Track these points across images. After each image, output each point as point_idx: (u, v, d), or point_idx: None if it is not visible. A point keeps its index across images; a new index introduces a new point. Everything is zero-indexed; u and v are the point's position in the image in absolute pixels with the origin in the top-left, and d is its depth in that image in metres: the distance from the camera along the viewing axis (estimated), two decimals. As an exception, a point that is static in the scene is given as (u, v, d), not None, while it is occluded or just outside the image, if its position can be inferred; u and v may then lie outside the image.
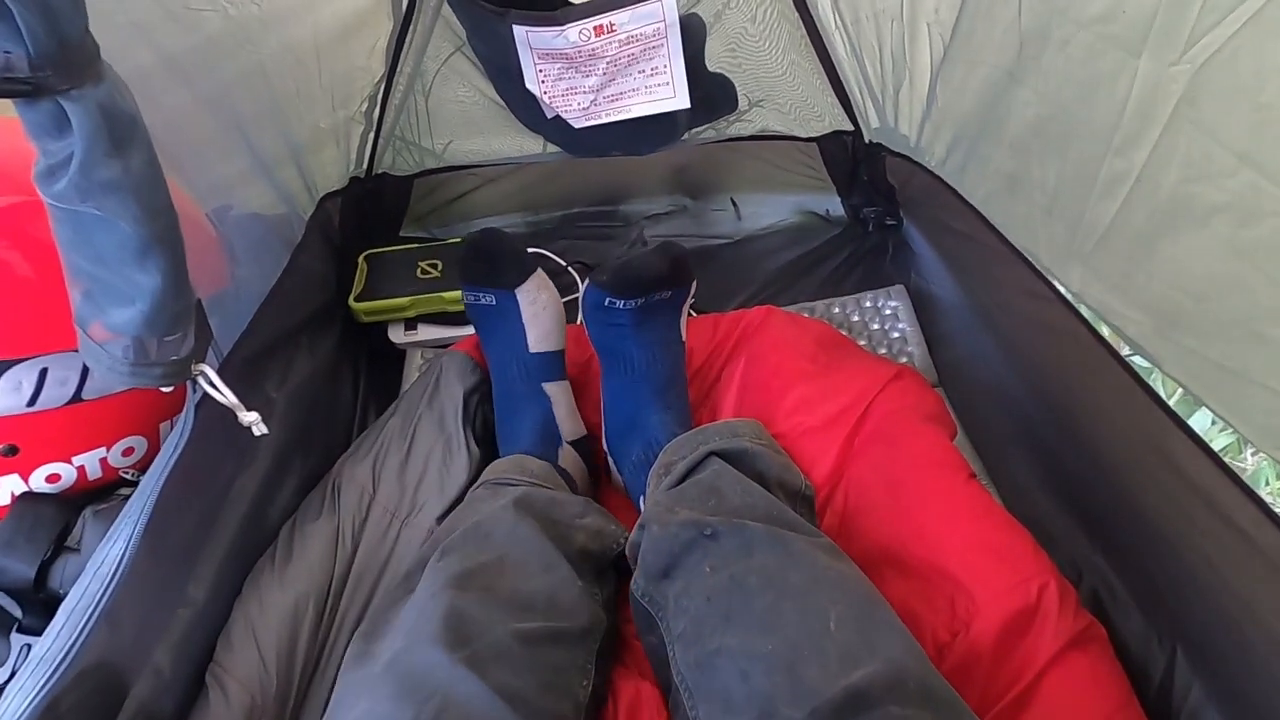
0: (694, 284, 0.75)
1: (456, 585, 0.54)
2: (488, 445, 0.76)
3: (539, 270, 0.78)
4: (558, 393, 0.77)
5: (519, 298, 0.76)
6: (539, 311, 0.76)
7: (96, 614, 0.49)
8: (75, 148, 0.44)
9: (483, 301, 0.77)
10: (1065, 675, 0.51)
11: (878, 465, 0.66)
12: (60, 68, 0.42)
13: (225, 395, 0.56)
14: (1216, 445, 0.56)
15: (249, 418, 0.58)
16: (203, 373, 0.56)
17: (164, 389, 0.55)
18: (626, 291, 0.71)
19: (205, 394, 0.57)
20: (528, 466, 0.68)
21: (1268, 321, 0.50)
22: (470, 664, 0.48)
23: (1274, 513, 0.49)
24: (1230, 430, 0.56)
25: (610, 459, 0.75)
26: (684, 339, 0.76)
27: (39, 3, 0.40)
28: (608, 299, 0.71)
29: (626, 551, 0.62)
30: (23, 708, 0.44)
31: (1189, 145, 0.52)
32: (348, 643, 0.58)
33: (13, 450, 0.59)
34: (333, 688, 0.56)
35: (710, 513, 0.57)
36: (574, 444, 0.76)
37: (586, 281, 0.74)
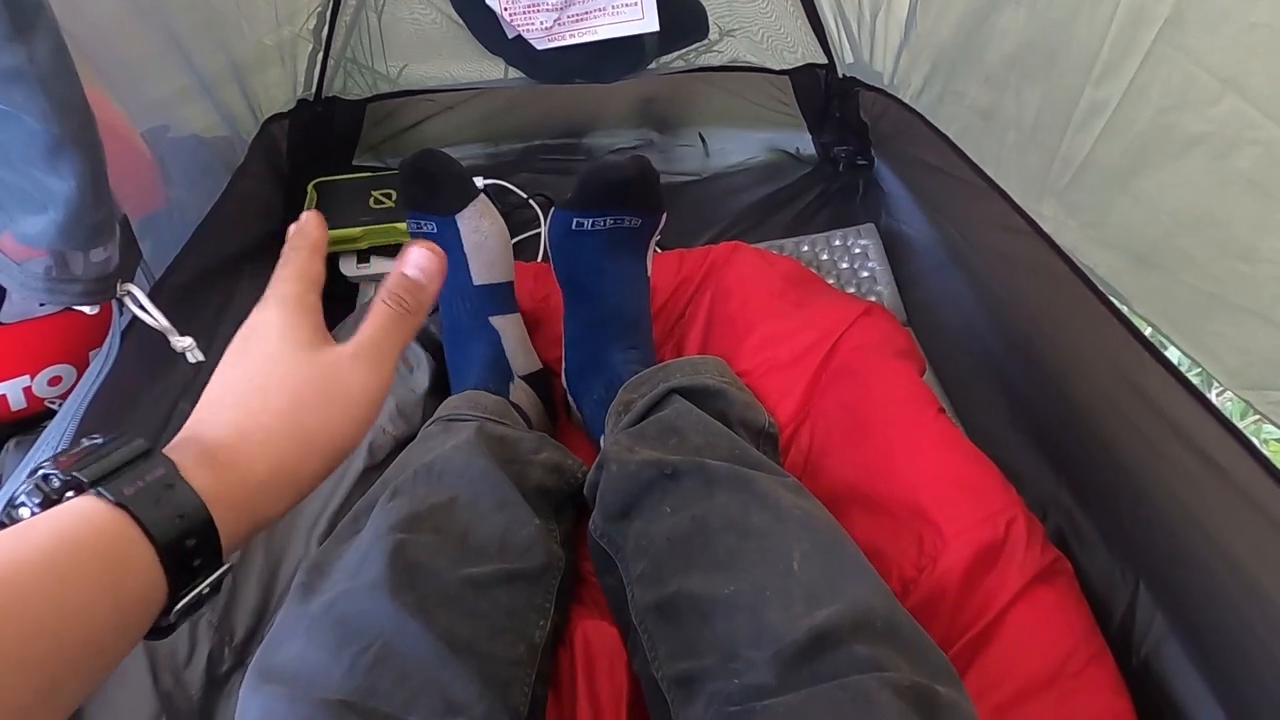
0: (663, 216, 0.72)
1: (405, 528, 0.52)
2: (441, 376, 0.74)
3: (481, 195, 0.74)
4: (507, 326, 0.74)
5: (460, 225, 0.72)
6: (482, 241, 0.72)
7: None
8: None
9: (424, 229, 0.73)
10: (1031, 609, 0.51)
11: (844, 401, 0.64)
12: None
13: (156, 318, 0.53)
14: (1188, 381, 0.55)
15: (182, 343, 0.55)
16: (129, 293, 0.53)
17: (88, 310, 0.51)
18: (596, 201, 0.68)
19: (134, 318, 0.54)
20: (481, 402, 0.66)
21: (1241, 257, 0.49)
22: (414, 610, 0.46)
23: (1251, 443, 0.49)
24: (1199, 370, 0.56)
25: (570, 397, 0.73)
26: (649, 276, 0.74)
27: None
28: (575, 219, 0.68)
29: (585, 491, 0.60)
30: None
31: (1170, 72, 0.50)
32: (307, 536, 0.57)
33: (-73, 377, 0.56)
34: None
35: (670, 451, 0.55)
36: (527, 379, 0.73)
37: (553, 209, 0.71)
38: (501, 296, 0.74)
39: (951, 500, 0.56)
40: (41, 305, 0.58)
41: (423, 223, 0.73)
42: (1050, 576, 0.53)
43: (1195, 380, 0.54)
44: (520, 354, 0.74)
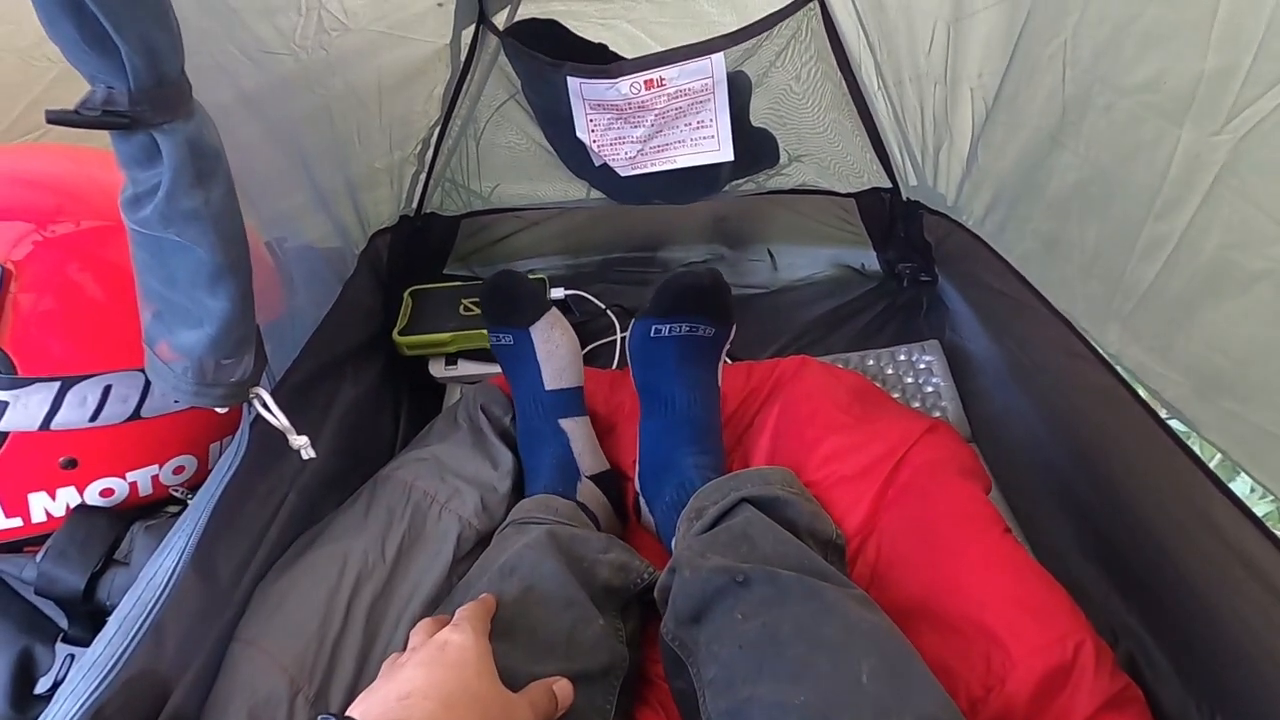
0: (733, 328, 0.77)
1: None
2: (520, 469, 0.78)
3: (553, 309, 0.81)
4: (575, 428, 0.78)
5: (533, 335, 0.79)
6: (553, 349, 0.79)
7: (146, 625, 0.50)
8: (163, 178, 0.47)
9: (503, 341, 0.80)
10: (1102, 737, 0.51)
11: (911, 517, 0.66)
12: (157, 103, 0.45)
13: (279, 418, 0.58)
14: (1257, 512, 0.56)
15: (299, 441, 0.60)
16: (259, 396, 0.58)
17: (220, 410, 0.57)
18: (673, 308, 0.74)
19: (257, 416, 0.59)
20: (552, 505, 0.70)
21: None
22: None
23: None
24: (1270, 498, 0.56)
25: (642, 499, 0.76)
26: (720, 386, 0.77)
27: (144, 42, 0.43)
28: (654, 326, 0.74)
29: (656, 594, 0.62)
30: (74, 710, 0.45)
31: (1230, 212, 0.52)
32: (397, 618, 0.61)
33: (72, 463, 0.61)
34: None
35: (742, 559, 0.57)
36: (595, 479, 0.77)
37: (633, 319, 0.77)
38: (571, 401, 0.79)
39: (1019, 621, 0.56)
40: (177, 402, 0.64)
41: (502, 335, 0.80)
42: (1121, 704, 0.53)
43: (1269, 508, 0.54)
44: (588, 455, 0.78)
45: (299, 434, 0.60)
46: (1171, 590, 0.60)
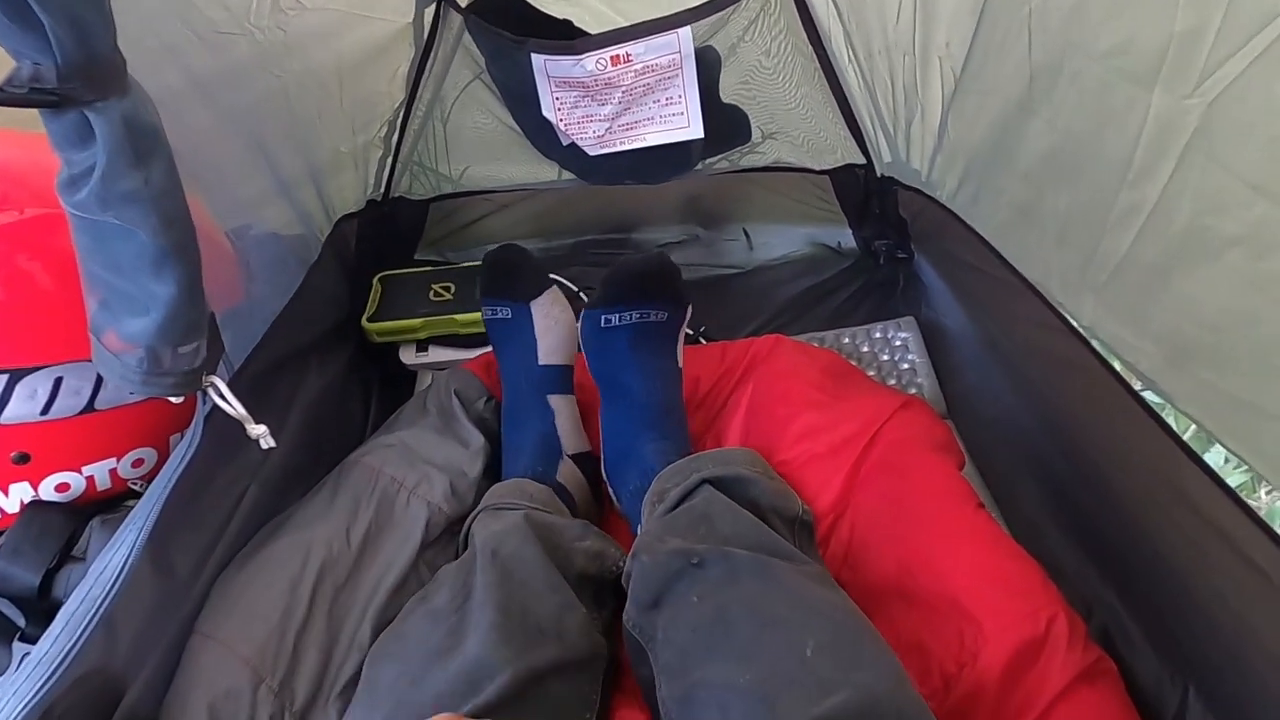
0: (689, 308, 0.76)
1: (463, 625, 0.54)
2: (493, 452, 0.77)
3: (554, 287, 0.80)
4: (562, 405, 0.77)
5: (533, 310, 0.77)
6: (551, 325, 0.78)
7: (95, 620, 0.49)
8: (98, 158, 0.45)
9: (499, 315, 0.79)
10: (1073, 709, 0.50)
11: (884, 493, 0.65)
12: (87, 80, 0.43)
13: (235, 408, 0.57)
14: (1230, 483, 0.55)
15: (257, 430, 0.58)
16: (213, 384, 0.57)
17: (174, 399, 0.55)
18: (620, 297, 0.72)
19: (215, 406, 0.57)
20: (527, 490, 0.68)
21: (1280, 356, 0.50)
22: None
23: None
24: (1244, 468, 0.56)
25: (610, 488, 0.75)
26: (681, 366, 0.76)
27: (70, 17, 0.41)
28: (604, 316, 0.73)
29: (622, 580, 0.62)
30: (16, 711, 0.44)
31: (1202, 178, 0.52)
32: (364, 607, 0.61)
33: (24, 458, 0.60)
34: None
35: (699, 540, 0.57)
36: (575, 458, 0.76)
37: (582, 312, 0.76)
38: (562, 378, 0.79)
39: (992, 596, 0.55)
40: (131, 394, 0.62)
41: (499, 309, 0.79)
42: (1093, 677, 0.52)
43: (1243, 478, 0.54)
44: (572, 433, 0.77)
45: (257, 423, 0.58)
46: (1145, 563, 0.60)
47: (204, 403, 0.58)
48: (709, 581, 0.53)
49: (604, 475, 0.76)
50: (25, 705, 0.44)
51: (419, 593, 0.62)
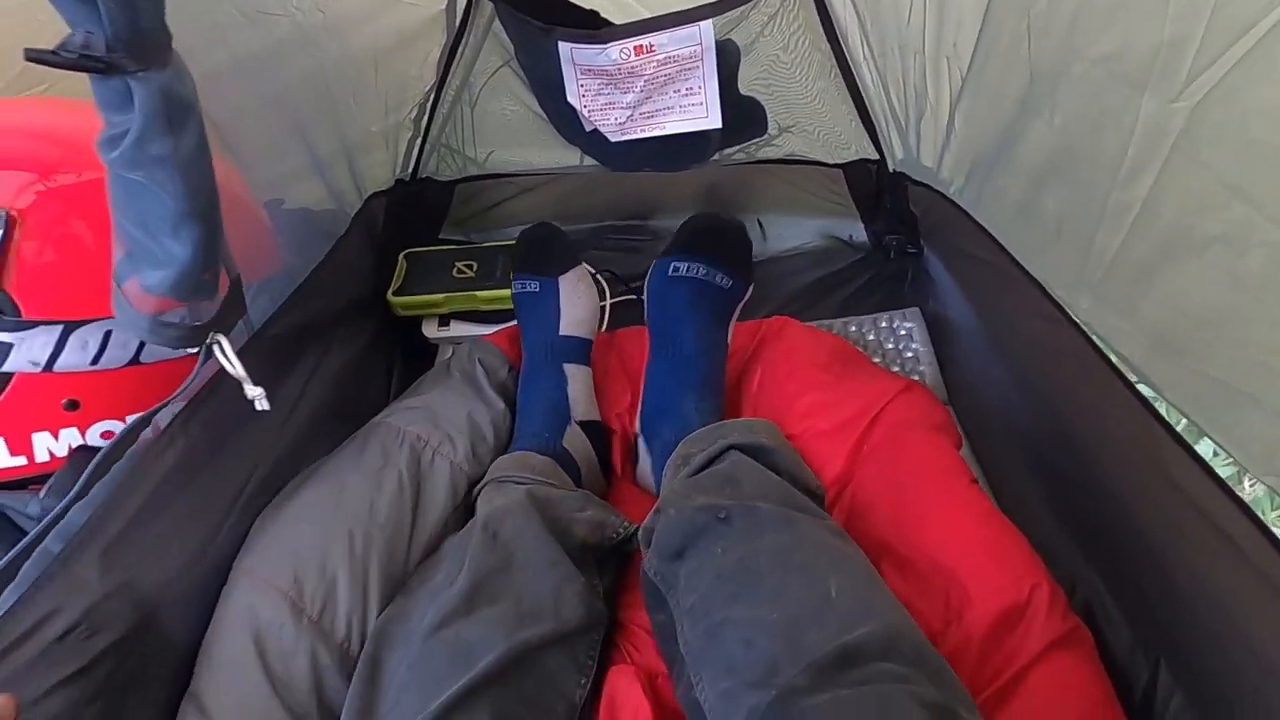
0: (750, 289, 0.80)
1: (464, 609, 0.57)
2: (513, 419, 0.81)
3: (583, 265, 0.85)
4: (577, 374, 0.81)
5: (561, 284, 0.83)
6: (576, 299, 0.83)
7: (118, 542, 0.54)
8: (134, 123, 0.49)
9: (528, 289, 0.84)
10: (1049, 672, 0.53)
11: (884, 469, 0.68)
12: (131, 51, 0.46)
13: (235, 367, 0.59)
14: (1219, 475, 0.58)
15: (254, 391, 0.61)
16: (218, 343, 0.60)
17: (177, 350, 0.58)
18: (693, 247, 0.78)
19: (218, 367, 0.61)
20: (530, 463, 0.72)
21: (1261, 349, 0.53)
22: (463, 695, 0.51)
23: (1268, 528, 0.51)
24: (1231, 461, 0.58)
25: (640, 442, 0.78)
26: (729, 344, 0.80)
27: (123, -4, 0.45)
28: (673, 264, 0.78)
29: (639, 536, 0.64)
30: None
31: (1187, 178, 0.54)
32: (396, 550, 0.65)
33: (74, 405, 0.64)
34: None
35: (726, 498, 0.60)
36: (584, 426, 0.79)
37: (655, 260, 0.82)
38: (580, 349, 0.83)
39: (978, 562, 0.59)
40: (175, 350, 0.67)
41: (528, 283, 0.85)
42: (1070, 644, 0.55)
43: (1229, 469, 0.57)
44: (583, 401, 0.81)
45: (275, 386, 0.62)
46: (1128, 543, 0.63)
47: (204, 361, 0.61)
48: (734, 534, 0.56)
49: (637, 427, 0.79)
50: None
51: (423, 565, 0.66)
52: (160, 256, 0.53)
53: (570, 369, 0.81)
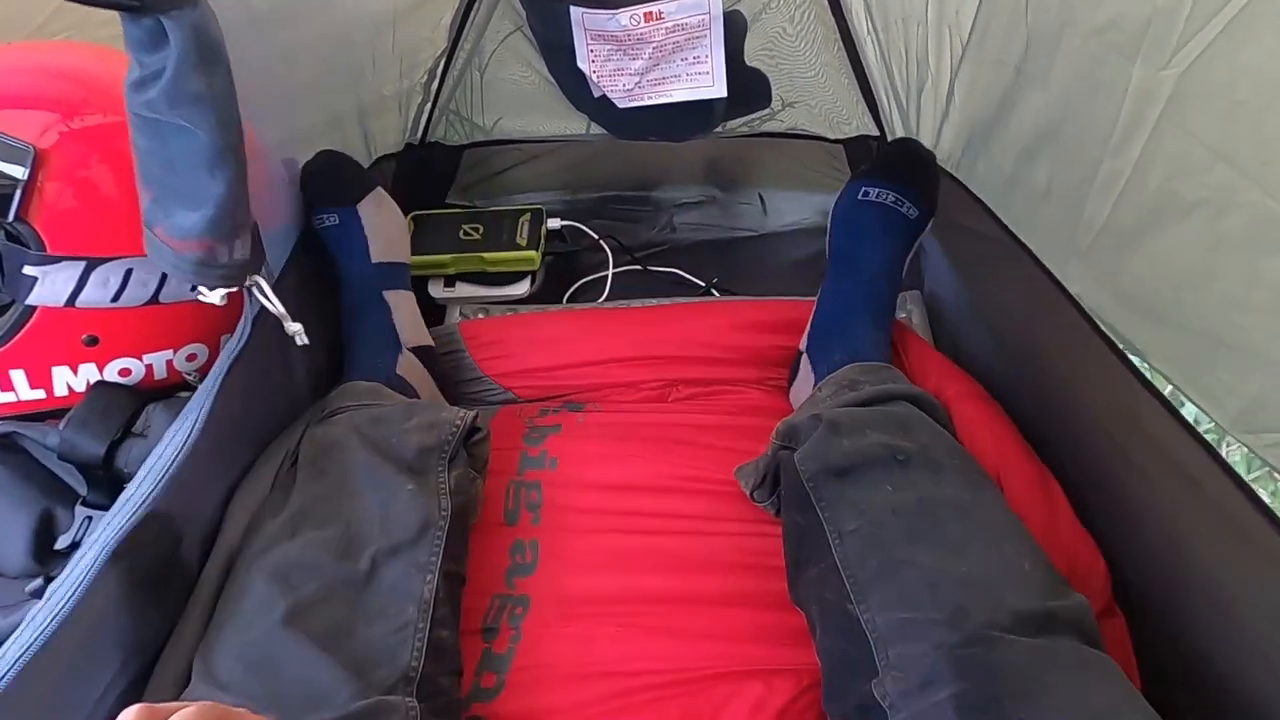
0: (931, 222, 0.81)
1: (289, 536, 0.59)
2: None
3: (379, 188, 0.83)
4: (400, 301, 0.82)
5: (360, 211, 0.81)
6: (381, 224, 0.82)
7: (163, 483, 0.56)
8: (169, 61, 0.51)
9: (328, 223, 0.81)
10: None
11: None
12: (164, -10, 0.49)
13: (274, 305, 0.63)
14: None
15: (294, 327, 0.64)
16: (256, 283, 0.62)
17: (221, 293, 0.60)
18: (886, 174, 0.79)
19: (261, 310, 0.64)
20: (353, 390, 0.73)
21: (1235, 308, 0.55)
22: (292, 620, 0.53)
23: (1243, 480, 0.54)
24: (1212, 424, 0.61)
25: (805, 357, 0.79)
26: (903, 278, 0.82)
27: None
28: (863, 188, 0.79)
29: (780, 429, 0.66)
30: (110, 537, 0.51)
31: (1173, 145, 0.56)
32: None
33: (94, 340, 0.66)
34: None
35: (902, 440, 0.61)
36: (416, 351, 0.80)
37: (847, 182, 0.83)
38: (397, 274, 0.83)
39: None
40: (192, 290, 0.69)
41: (327, 216, 0.81)
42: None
43: (1213, 439, 0.59)
44: (410, 327, 0.82)
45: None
46: (1101, 496, 0.65)
47: (250, 302, 0.64)
48: (910, 477, 0.58)
49: (803, 346, 0.79)
50: (109, 546, 0.52)
51: (264, 504, 0.65)
52: (196, 197, 0.55)
53: (391, 296, 0.81)
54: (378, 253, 0.81)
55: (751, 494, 0.68)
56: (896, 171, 0.79)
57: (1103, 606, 0.61)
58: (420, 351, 0.81)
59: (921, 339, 0.86)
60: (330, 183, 0.82)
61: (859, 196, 0.79)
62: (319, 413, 0.71)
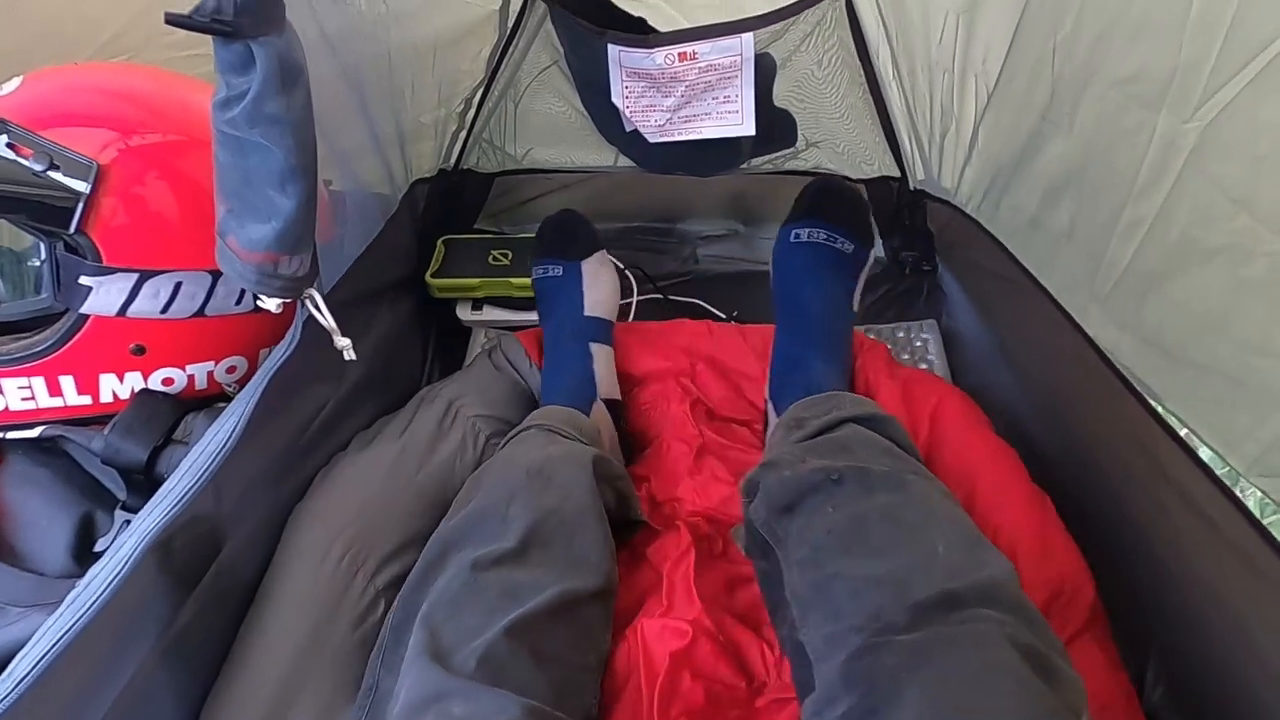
0: (871, 255, 0.82)
1: (516, 555, 0.59)
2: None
3: (604, 250, 0.90)
4: (601, 353, 0.86)
5: (583, 268, 0.88)
6: (598, 282, 0.88)
7: (204, 479, 0.57)
8: (253, 83, 0.54)
9: (550, 274, 0.88)
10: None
11: (953, 457, 0.74)
12: (254, 18, 0.52)
13: (326, 319, 0.65)
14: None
15: (342, 342, 0.66)
16: (311, 296, 0.65)
17: (274, 308, 0.63)
18: (811, 211, 0.80)
19: (309, 319, 0.66)
20: (577, 422, 0.75)
21: (1256, 353, 0.57)
22: (517, 637, 0.54)
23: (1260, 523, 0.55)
24: (1228, 467, 0.62)
25: (770, 405, 0.79)
26: (856, 310, 0.82)
27: (248, -36, 0.49)
28: (794, 231, 0.80)
29: (743, 486, 0.66)
30: (142, 539, 0.52)
31: (1196, 193, 0.58)
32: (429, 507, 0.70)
33: (141, 350, 0.68)
34: None
35: (839, 461, 0.62)
36: (608, 403, 0.83)
37: (779, 230, 0.84)
38: (603, 329, 0.87)
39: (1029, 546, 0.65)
40: (236, 305, 0.71)
41: (550, 267, 0.89)
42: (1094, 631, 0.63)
43: (1227, 476, 0.60)
44: (606, 379, 0.85)
45: (342, 337, 0.66)
46: (1120, 534, 0.66)
47: (301, 313, 0.67)
48: (846, 494, 0.59)
49: (767, 395, 0.80)
50: (148, 535, 0.53)
51: (459, 496, 0.68)
52: (266, 211, 0.58)
53: (595, 348, 0.85)
54: (590, 307, 0.87)
55: (746, 553, 0.68)
56: (822, 209, 0.80)
57: (1082, 625, 0.63)
58: (612, 405, 0.84)
59: (893, 359, 0.87)
60: (564, 238, 0.91)
61: (791, 239, 0.80)
62: (532, 422, 0.75)
